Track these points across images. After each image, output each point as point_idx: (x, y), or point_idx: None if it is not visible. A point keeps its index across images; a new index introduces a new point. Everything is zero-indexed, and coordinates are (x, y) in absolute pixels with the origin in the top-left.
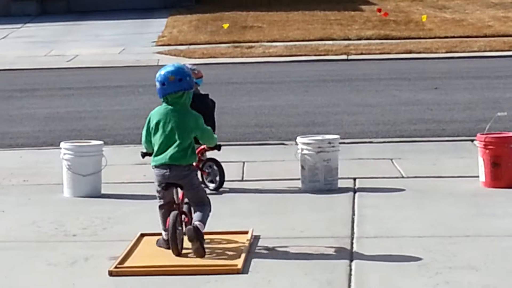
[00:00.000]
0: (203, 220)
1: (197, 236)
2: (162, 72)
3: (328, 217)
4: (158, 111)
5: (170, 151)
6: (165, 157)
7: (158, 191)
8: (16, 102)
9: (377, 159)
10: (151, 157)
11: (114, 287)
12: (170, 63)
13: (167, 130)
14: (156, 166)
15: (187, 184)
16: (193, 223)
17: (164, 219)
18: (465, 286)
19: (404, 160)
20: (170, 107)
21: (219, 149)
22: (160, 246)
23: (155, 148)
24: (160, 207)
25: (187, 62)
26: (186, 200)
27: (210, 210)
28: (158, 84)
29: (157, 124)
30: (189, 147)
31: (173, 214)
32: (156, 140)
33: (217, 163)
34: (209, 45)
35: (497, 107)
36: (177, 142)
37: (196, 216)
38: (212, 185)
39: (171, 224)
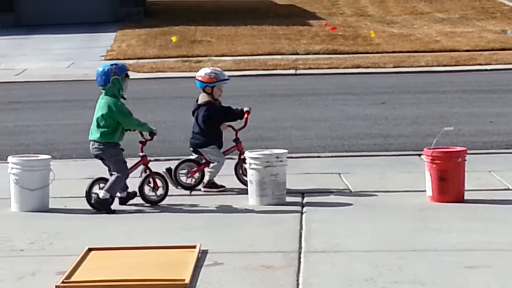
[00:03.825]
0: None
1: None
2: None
3: (276, 232)
4: None
5: None
6: None
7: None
8: None
9: (325, 174)
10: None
11: None
12: None
13: None
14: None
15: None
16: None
17: None
18: None
19: (352, 175)
20: None
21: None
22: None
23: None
24: None
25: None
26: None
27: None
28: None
29: None
30: None
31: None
32: None
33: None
34: (158, 59)
35: (444, 122)
36: None
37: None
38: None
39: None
